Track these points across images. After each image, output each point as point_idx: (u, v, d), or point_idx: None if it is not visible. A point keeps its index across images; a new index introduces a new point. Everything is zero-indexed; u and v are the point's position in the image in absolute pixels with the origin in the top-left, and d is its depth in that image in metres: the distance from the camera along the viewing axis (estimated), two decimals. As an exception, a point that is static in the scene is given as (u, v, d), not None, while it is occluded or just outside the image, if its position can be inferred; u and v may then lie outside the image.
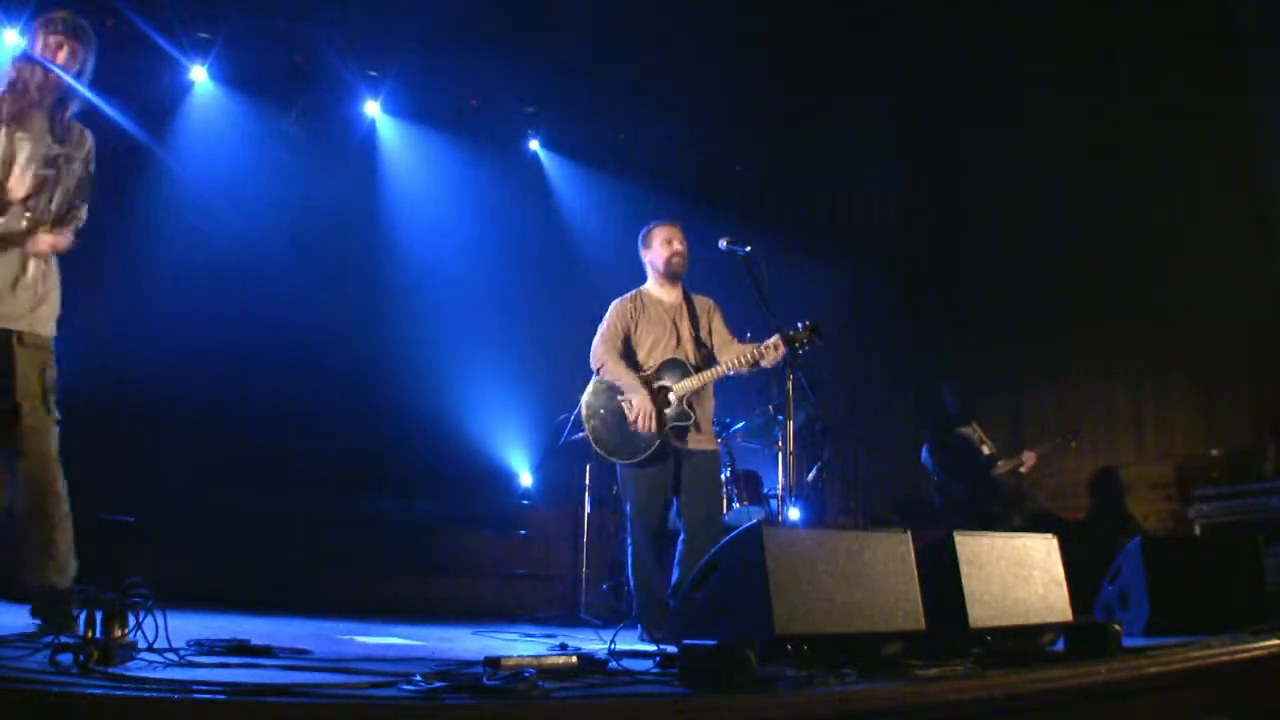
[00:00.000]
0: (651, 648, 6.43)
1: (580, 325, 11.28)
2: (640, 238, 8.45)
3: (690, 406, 7.95)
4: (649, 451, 7.87)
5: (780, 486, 8.61)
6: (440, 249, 13.16)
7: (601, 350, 8.18)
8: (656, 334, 8.20)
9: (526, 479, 13.24)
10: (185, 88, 12.31)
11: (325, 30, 12.03)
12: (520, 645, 7.75)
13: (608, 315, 8.33)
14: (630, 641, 7.18)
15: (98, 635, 4.77)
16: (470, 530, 12.15)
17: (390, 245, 13.20)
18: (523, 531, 12.34)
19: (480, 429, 12.87)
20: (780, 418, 9.96)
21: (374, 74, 12.93)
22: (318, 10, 11.68)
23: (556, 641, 7.70)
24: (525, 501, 13.05)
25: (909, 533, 5.87)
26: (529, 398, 12.77)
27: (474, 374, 12.86)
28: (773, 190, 14.33)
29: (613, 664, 5.24)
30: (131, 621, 4.95)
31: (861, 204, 14.32)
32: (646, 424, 7.81)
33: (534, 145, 14.17)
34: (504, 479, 13.18)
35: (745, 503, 10.65)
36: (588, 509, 11.36)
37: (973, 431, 11.75)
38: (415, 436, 12.48)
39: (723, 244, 7.95)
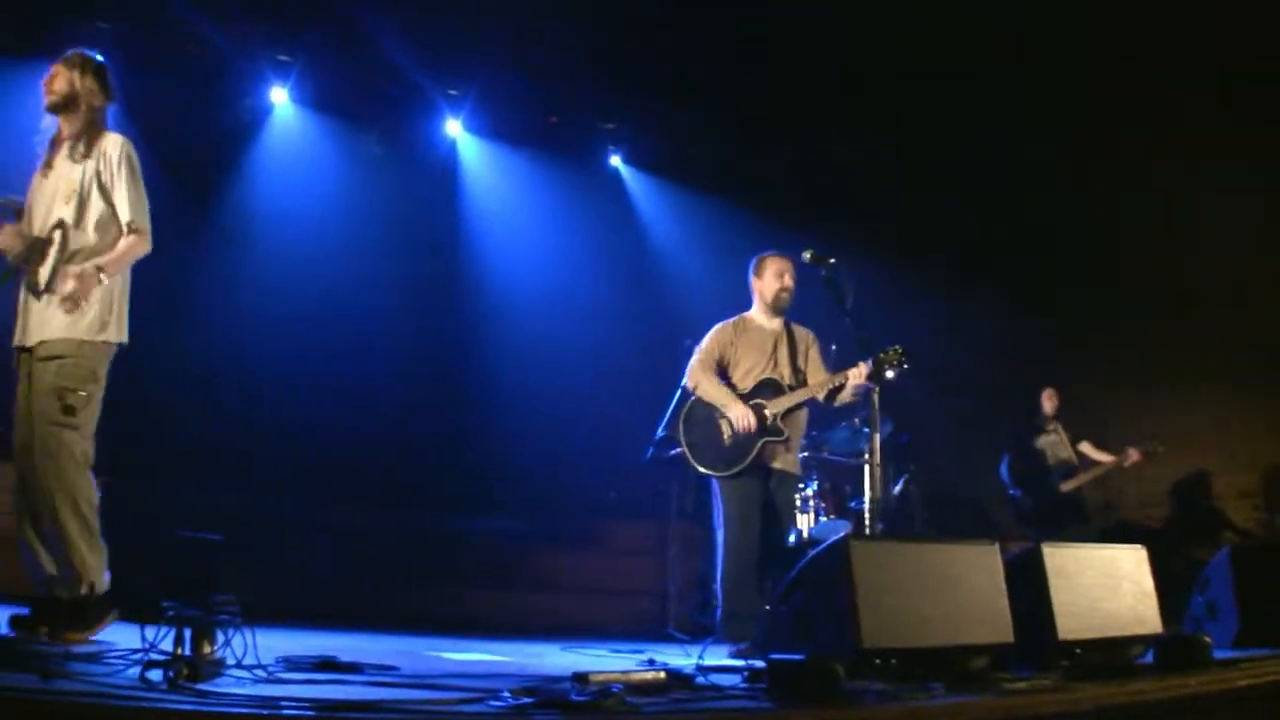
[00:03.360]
0: (739, 662, 6.40)
1: (665, 339, 11.28)
2: (751, 265, 8.56)
3: (784, 424, 8.06)
4: (744, 464, 7.98)
5: (867, 499, 8.57)
6: (523, 266, 13.20)
7: (697, 371, 8.35)
8: (755, 359, 8.33)
9: (614, 495, 13.21)
10: (266, 110, 12.40)
11: (405, 51, 12.08)
12: (608, 661, 7.74)
13: (707, 338, 8.49)
14: (718, 656, 7.14)
15: (186, 652, 4.80)
16: (557, 546, 12.15)
17: (473, 263, 13.24)
18: (611, 547, 12.33)
19: (567, 445, 12.87)
20: (866, 430, 9.93)
21: (454, 93, 12.96)
22: (398, 32, 11.74)
23: (644, 657, 7.68)
24: (612, 517, 13.02)
25: (996, 545, 5.82)
26: (615, 413, 12.74)
27: (560, 390, 12.86)
28: (855, 201, 14.25)
29: (700, 679, 5.22)
30: (220, 638, 4.98)
31: (951, 215, 14.19)
32: (746, 426, 7.94)
33: (615, 161, 14.16)
34: (591, 495, 13.16)
35: (832, 516, 10.61)
36: (675, 524, 11.34)
37: (1057, 438, 11.65)
38: (503, 453, 12.50)
39: (805, 257, 7.96)
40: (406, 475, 11.95)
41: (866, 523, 8.43)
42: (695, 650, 7.03)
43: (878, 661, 5.12)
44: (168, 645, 4.93)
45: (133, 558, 8.38)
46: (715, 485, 8.23)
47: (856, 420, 10.55)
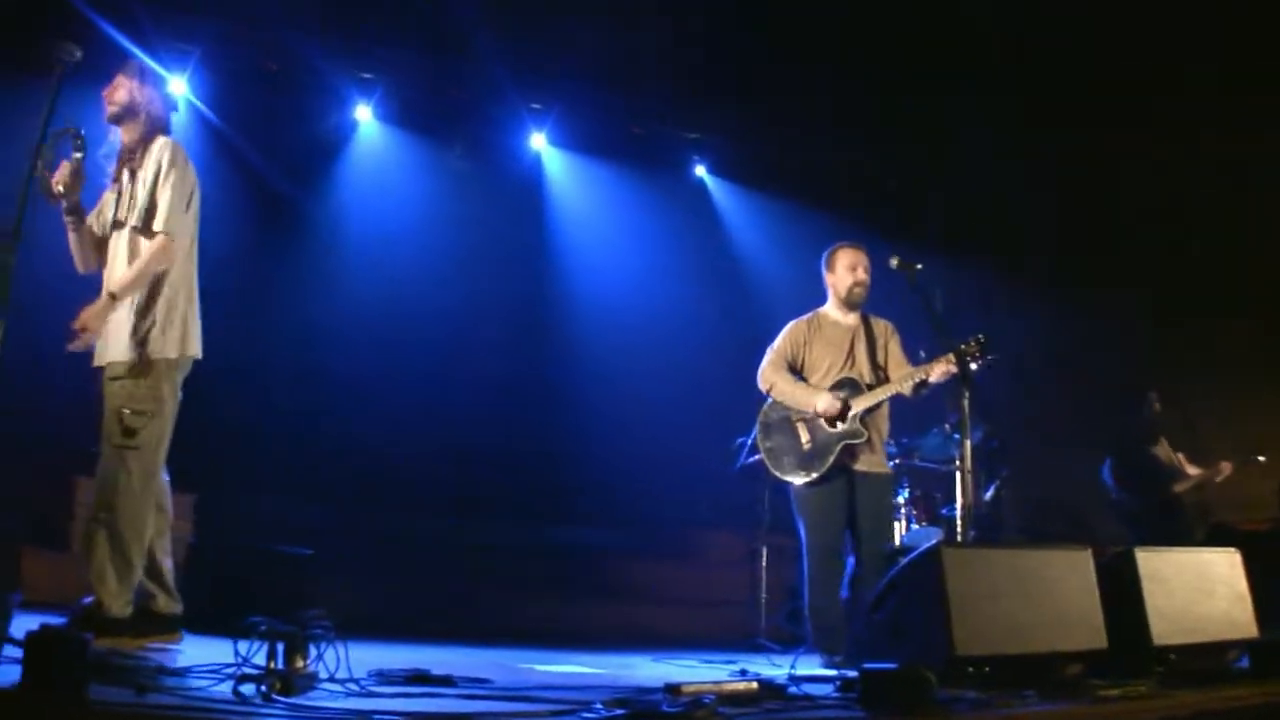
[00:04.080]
0: (831, 672, 6.37)
1: (752, 348, 11.24)
2: (824, 258, 8.37)
3: (864, 424, 7.86)
4: (824, 469, 7.80)
5: (959, 506, 8.49)
6: (610, 277, 13.22)
7: (769, 371, 8.18)
8: (832, 357, 8.14)
9: (704, 505, 13.18)
10: (351, 128, 12.49)
11: (488, 66, 12.13)
12: (699, 671, 7.73)
13: (778, 339, 8.31)
14: (810, 666, 7.11)
15: (279, 666, 4.83)
16: (648, 557, 12.17)
17: (560, 275, 13.29)
18: (701, 557, 12.31)
19: (656, 455, 12.85)
20: (956, 436, 9.84)
21: (537, 107, 13.01)
22: (480, 47, 11.78)
23: (736, 667, 7.67)
24: (703, 527, 13.00)
25: (1089, 550, 5.76)
26: (704, 423, 12.71)
27: (650, 401, 12.86)
28: (943, 206, 14.15)
29: (792, 689, 5.20)
30: (313, 652, 5.01)
31: (1041, 221, 14.06)
32: (829, 408, 7.80)
33: (699, 171, 14.14)
34: (681, 505, 13.14)
35: (923, 523, 10.53)
36: (765, 533, 11.30)
37: (1160, 448, 11.51)
38: (593, 464, 12.51)
39: (893, 263, 7.85)
40: (496, 488, 12.00)
41: (958, 530, 8.33)
42: (787, 660, 7.01)
43: (971, 669, 5.09)
44: (261, 659, 4.97)
45: (226, 572, 8.49)
46: (792, 494, 8.09)
47: (947, 426, 10.47)
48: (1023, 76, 12.46)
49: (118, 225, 6.14)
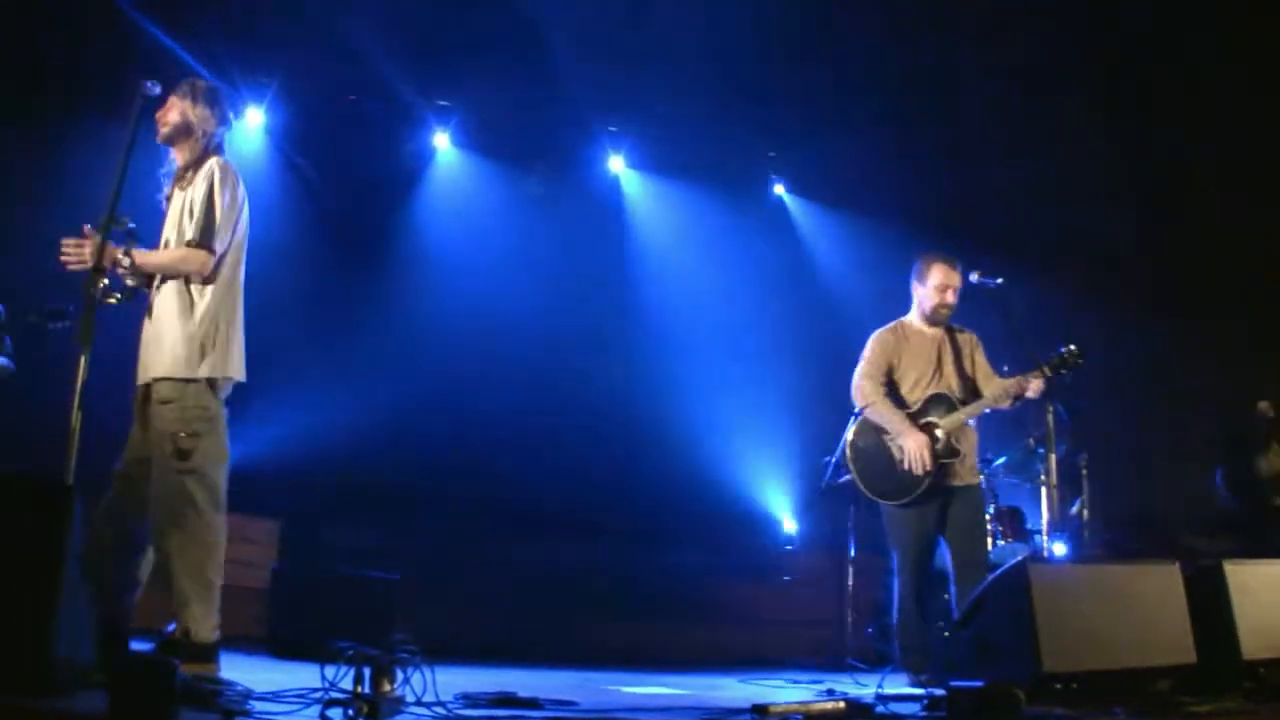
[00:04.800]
0: (919, 690, 6.33)
1: (835, 366, 11.18)
2: (915, 268, 8.17)
3: (956, 442, 7.77)
4: (918, 492, 7.66)
5: (1044, 522, 8.40)
6: (691, 298, 13.19)
7: (868, 387, 7.96)
8: (920, 368, 7.99)
9: (790, 524, 13.15)
10: (429, 155, 12.57)
11: (565, 90, 12.18)
12: (787, 691, 7.70)
13: (868, 349, 8.13)
14: (898, 685, 7.07)
15: (366, 691, 4.85)
16: (733, 577, 12.13)
17: (641, 297, 13.26)
18: (787, 577, 12.28)
19: (741, 476, 12.84)
20: (1041, 450, 9.75)
21: (615, 130, 13.03)
22: (556, 72, 11.83)
23: (823, 687, 7.64)
24: (788, 547, 12.97)
25: (1177, 564, 5.70)
26: (788, 442, 12.69)
27: (732, 421, 12.83)
28: (1023, 219, 14.04)
29: (880, 708, 5.19)
30: (399, 676, 5.03)
31: (1123, 230, 13.91)
32: (920, 467, 7.59)
33: (779, 189, 14.09)
34: (766, 525, 13.11)
35: (1009, 539, 10.44)
36: (852, 552, 11.25)
37: (1271, 458, 11.38)
38: (676, 485, 12.48)
39: (974, 277, 7.81)
40: (580, 509, 11.99)
41: (1043, 545, 8.26)
42: (874, 679, 6.97)
43: (1058, 686, 5.05)
44: (348, 684, 4.99)
45: (312, 598, 8.55)
46: (883, 513, 7.97)
47: (1030, 441, 10.38)
48: (1114, 87, 12.36)
49: (166, 244, 6.14)
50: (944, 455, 7.69)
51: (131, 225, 5.98)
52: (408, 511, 11.21)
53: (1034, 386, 7.63)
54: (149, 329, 6.06)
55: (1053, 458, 7.77)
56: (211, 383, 6.01)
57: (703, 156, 13.38)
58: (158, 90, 5.89)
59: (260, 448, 11.09)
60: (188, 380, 5.94)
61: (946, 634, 7.30)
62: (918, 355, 7.99)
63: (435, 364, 11.69)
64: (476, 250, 12.39)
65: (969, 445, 7.89)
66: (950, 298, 7.98)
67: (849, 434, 8.06)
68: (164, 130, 6.23)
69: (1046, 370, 7.54)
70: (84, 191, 6.95)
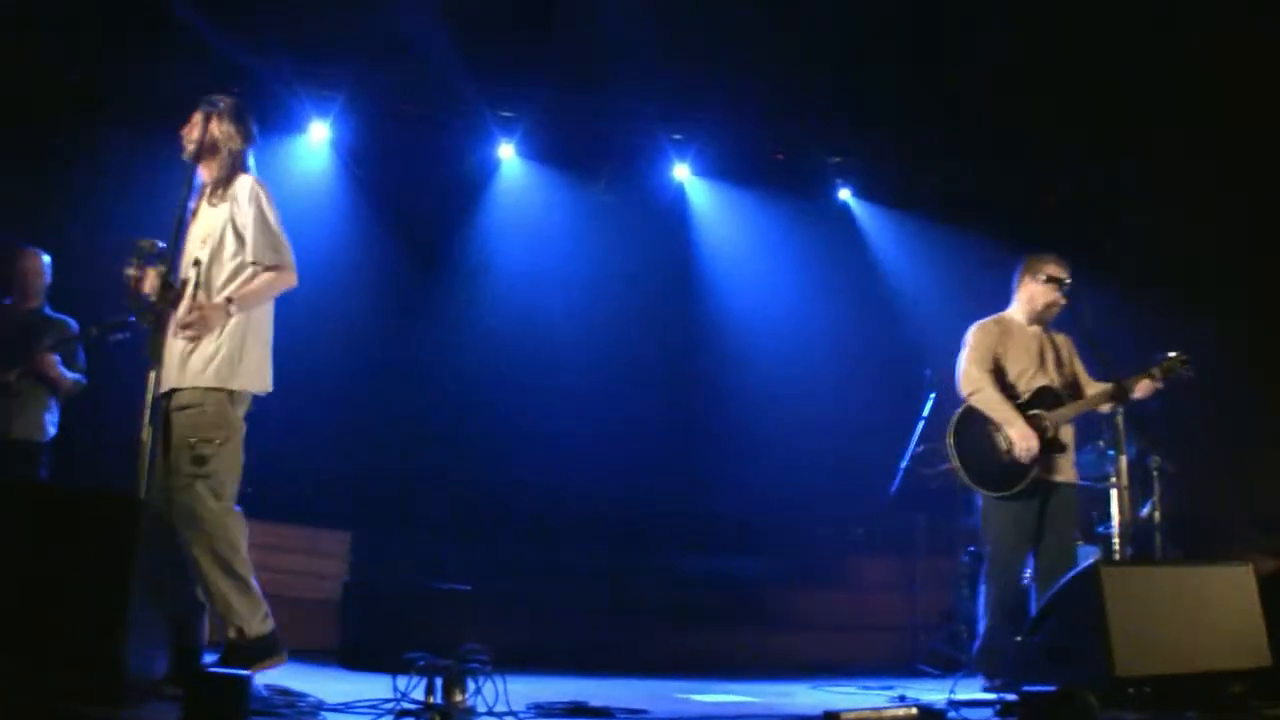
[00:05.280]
0: (991, 696, 6.29)
1: (901, 370, 11.17)
2: (1024, 262, 8.09)
3: (1061, 436, 7.69)
4: (1022, 485, 7.54)
5: (1115, 524, 8.31)
6: (757, 305, 13.16)
7: (975, 373, 7.80)
8: (1024, 363, 7.87)
9: (859, 530, 13.10)
10: (494, 166, 12.61)
11: (628, 99, 12.19)
12: (858, 698, 7.69)
13: (973, 338, 7.97)
14: (970, 690, 7.03)
15: (438, 701, 4.88)
16: (804, 584, 12.10)
17: (707, 304, 13.26)
18: (856, 583, 12.24)
19: (810, 481, 12.79)
20: (1111, 453, 9.65)
21: (679, 137, 13.02)
22: (619, 81, 11.84)
23: (895, 693, 7.60)
24: (859, 553, 12.92)
25: (1250, 566, 5.64)
26: (858, 447, 12.64)
27: (801, 427, 12.79)
28: (1094, 221, 13.92)
29: (952, 714, 5.17)
30: (471, 686, 5.05)
31: (1196, 232, 13.77)
32: (1029, 456, 7.48)
33: (844, 195, 14.02)
34: (837, 531, 13.07)
35: (1080, 542, 10.36)
36: (921, 557, 11.20)
37: None
38: (746, 492, 12.46)
39: (1042, 278, 7.77)
40: (648, 519, 12.00)
41: (1115, 548, 8.18)
42: (946, 684, 6.94)
43: (1131, 690, 5.00)
44: (419, 694, 5.02)
45: (384, 609, 8.60)
46: (981, 504, 7.80)
47: (1101, 442, 10.29)
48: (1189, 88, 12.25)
49: (196, 263, 6.13)
50: (1050, 449, 7.60)
51: (162, 245, 6.03)
52: (478, 522, 11.26)
53: (1142, 387, 7.55)
54: (171, 343, 6.05)
55: (1123, 460, 7.67)
56: (232, 394, 6.04)
57: (767, 162, 13.35)
58: (223, 106, 5.95)
59: (331, 461, 11.18)
60: (208, 389, 5.98)
61: (1019, 638, 7.22)
62: (1022, 350, 7.87)
63: (503, 375, 11.76)
64: (542, 261, 12.43)
65: (1070, 441, 7.81)
66: (1061, 298, 7.89)
67: (952, 420, 7.92)
68: (190, 147, 6.25)
69: (1157, 373, 7.47)
70: (148, 206, 7.01)
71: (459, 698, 5.07)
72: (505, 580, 10.31)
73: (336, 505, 11.02)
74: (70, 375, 8.32)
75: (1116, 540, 8.07)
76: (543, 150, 12.65)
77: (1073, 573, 5.52)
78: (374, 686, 5.57)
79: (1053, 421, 7.64)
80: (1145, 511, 10.40)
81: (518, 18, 11.17)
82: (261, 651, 5.86)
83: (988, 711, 5.27)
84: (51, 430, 8.38)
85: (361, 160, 11.91)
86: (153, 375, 5.49)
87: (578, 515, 11.65)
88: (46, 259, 8.53)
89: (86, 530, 4.44)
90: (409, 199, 11.99)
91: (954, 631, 10.11)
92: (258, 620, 5.92)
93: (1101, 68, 11.82)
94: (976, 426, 7.74)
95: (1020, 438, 7.51)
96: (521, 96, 12.19)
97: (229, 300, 5.98)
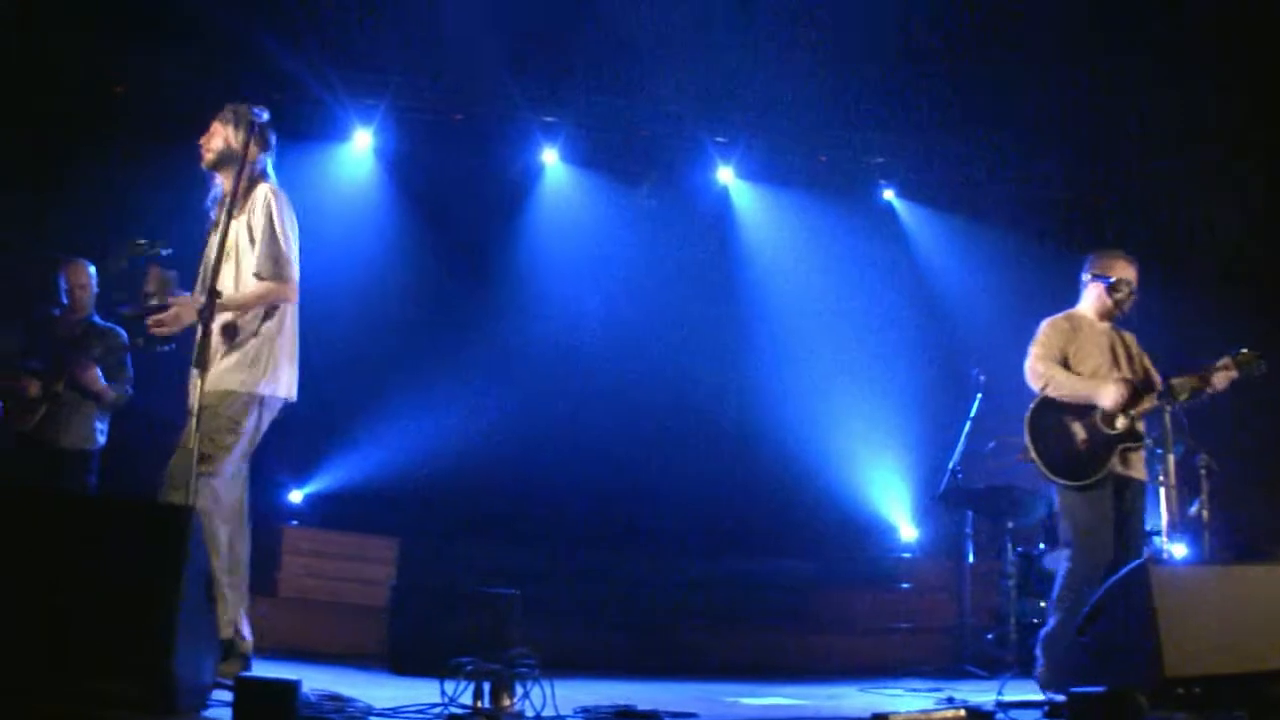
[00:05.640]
0: (1039, 697, 6.27)
1: (949, 370, 11.13)
2: (1092, 259, 7.94)
3: (1139, 426, 7.55)
4: (1101, 472, 7.39)
5: (1163, 523, 8.24)
6: (802, 306, 13.13)
7: (1042, 367, 7.66)
8: (1097, 359, 7.70)
9: (907, 531, 13.07)
10: (537, 171, 12.65)
11: (672, 103, 12.21)
12: (906, 700, 7.68)
13: (1041, 334, 7.83)
14: (1018, 691, 7.00)
15: (486, 705, 4.89)
16: (850, 586, 12.07)
17: (752, 307, 13.24)
18: (904, 585, 12.21)
19: (857, 483, 12.78)
20: (1159, 451, 9.57)
21: (722, 140, 13.01)
22: (662, 84, 11.86)
23: (943, 695, 7.57)
24: (906, 554, 12.90)
25: (1300, 564, 5.60)
26: (904, 448, 12.63)
27: (847, 428, 12.77)
28: (1143, 218, 13.82)
29: (1000, 715, 5.15)
30: (518, 690, 5.07)
31: (1247, 228, 13.67)
32: (1119, 398, 7.35)
33: (888, 195, 13.97)
34: (882, 533, 13.05)
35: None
36: (970, 558, 11.17)
37: None
38: (792, 495, 12.44)
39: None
40: (697, 521, 12.00)
41: (1163, 547, 8.11)
42: (994, 686, 6.91)
43: (1181, 691, 4.97)
44: (467, 699, 5.04)
45: (431, 614, 8.62)
46: (1060, 498, 7.67)
47: (1149, 441, 10.21)
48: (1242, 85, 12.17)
49: (215, 271, 6.09)
50: (1128, 439, 7.48)
51: (167, 252, 6.06)
52: (525, 527, 11.29)
53: (1220, 378, 7.46)
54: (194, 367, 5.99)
55: (1171, 458, 7.59)
56: (256, 399, 6.05)
57: (810, 164, 13.33)
58: (265, 116, 5.95)
59: (378, 467, 11.24)
60: (228, 392, 6.00)
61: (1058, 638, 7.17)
62: (1094, 346, 7.74)
63: (547, 380, 11.79)
64: (586, 266, 12.45)
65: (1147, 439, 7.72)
66: (1133, 290, 7.76)
67: (1028, 413, 7.84)
68: (208, 157, 6.31)
69: (1232, 364, 7.40)
70: (185, 212, 7.04)
71: (507, 702, 5.08)
72: (553, 584, 10.34)
73: (384, 511, 11.08)
74: (112, 386, 8.35)
75: (1164, 539, 8.01)
76: (586, 155, 12.68)
77: (1121, 572, 5.48)
78: (422, 691, 5.60)
79: (1133, 412, 7.55)
80: (1193, 510, 10.34)
81: (559, 23, 11.20)
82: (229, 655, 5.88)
83: (1036, 713, 5.25)
84: (101, 439, 8.44)
85: (405, 167, 11.97)
86: (197, 381, 5.51)
87: (624, 519, 11.67)
88: (92, 270, 8.57)
89: (136, 538, 4.47)
90: (453, 206, 12.04)
91: (1002, 633, 10.08)
92: (227, 622, 5.93)
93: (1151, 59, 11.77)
94: (1052, 418, 7.62)
95: (1108, 394, 7.39)
96: (564, 101, 12.23)
97: (216, 293, 5.81)
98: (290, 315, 6.32)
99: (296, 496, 11.56)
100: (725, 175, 13.19)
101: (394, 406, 11.58)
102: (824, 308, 13.03)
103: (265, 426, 6.25)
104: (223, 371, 6.02)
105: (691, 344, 12.61)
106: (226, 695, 4.67)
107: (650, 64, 11.61)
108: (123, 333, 8.45)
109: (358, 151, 11.91)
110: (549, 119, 12.31)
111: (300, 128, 11.41)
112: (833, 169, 13.42)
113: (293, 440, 10.58)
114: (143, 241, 6.06)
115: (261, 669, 5.80)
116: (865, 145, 13.40)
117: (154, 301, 6.08)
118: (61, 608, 4.28)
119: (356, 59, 11.32)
